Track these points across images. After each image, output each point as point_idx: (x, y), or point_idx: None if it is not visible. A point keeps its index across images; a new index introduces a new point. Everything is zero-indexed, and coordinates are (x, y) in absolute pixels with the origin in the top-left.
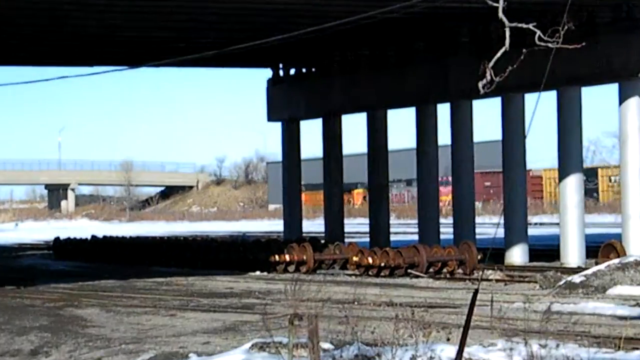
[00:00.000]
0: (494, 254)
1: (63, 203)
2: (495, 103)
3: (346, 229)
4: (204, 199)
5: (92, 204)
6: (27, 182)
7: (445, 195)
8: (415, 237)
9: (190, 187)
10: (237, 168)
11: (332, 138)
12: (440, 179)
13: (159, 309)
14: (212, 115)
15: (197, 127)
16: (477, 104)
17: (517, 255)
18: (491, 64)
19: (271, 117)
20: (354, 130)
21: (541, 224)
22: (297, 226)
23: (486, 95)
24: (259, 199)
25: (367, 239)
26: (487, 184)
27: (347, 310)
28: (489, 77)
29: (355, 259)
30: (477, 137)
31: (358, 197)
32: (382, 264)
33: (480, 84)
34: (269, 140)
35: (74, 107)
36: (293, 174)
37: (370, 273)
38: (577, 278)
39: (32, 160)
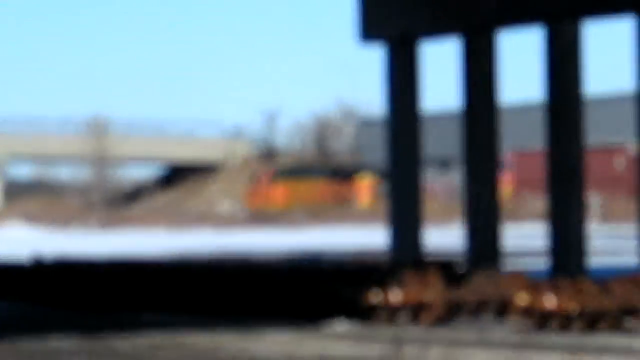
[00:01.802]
0: None
1: None
2: None
3: (508, 243)
4: (240, 188)
5: (34, 195)
6: None
7: None
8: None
9: (215, 168)
10: (302, 131)
11: (480, 71)
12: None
13: None
14: (254, 35)
15: (226, 56)
16: None
17: None
18: None
19: (367, 35)
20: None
21: None
22: (414, 238)
23: None
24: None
25: (545, 264)
26: None
27: None
28: None
29: (521, 300)
30: None
31: (365, 190)
32: (574, 310)
33: None
34: (360, 80)
35: (2, 20)
36: (408, 138)
37: (550, 326)
38: None
39: None
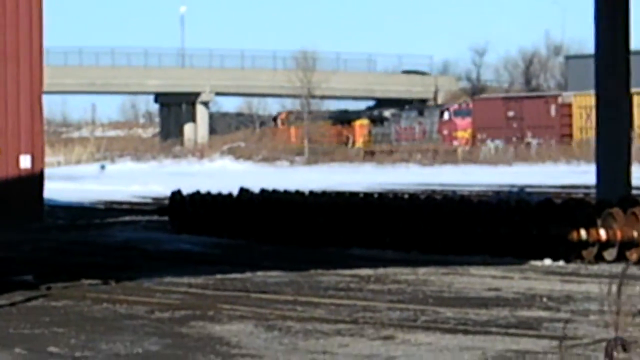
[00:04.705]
0: None
1: (188, 128)
2: None
3: None
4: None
5: (241, 130)
6: (121, 90)
7: None
8: None
9: (424, 101)
10: (509, 66)
11: None
12: None
13: (362, 327)
14: None
15: None
16: None
17: None
18: None
19: None
20: None
21: None
22: (622, 177)
23: None
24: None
25: None
26: None
27: None
28: None
29: None
30: None
31: (361, 131)
32: None
33: None
34: (569, 16)
35: None
36: (616, 75)
37: None
38: None
39: (130, 49)
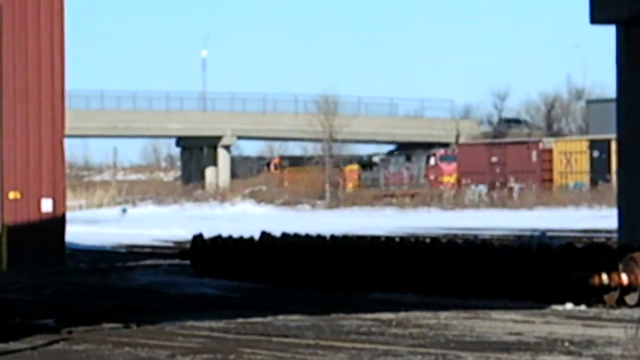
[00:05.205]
0: None
1: (209, 172)
2: None
3: None
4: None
5: (262, 174)
6: (142, 134)
7: None
8: None
9: (445, 145)
10: (531, 110)
11: None
12: None
13: None
14: (485, 14)
15: (456, 36)
16: None
17: None
18: None
19: (597, 17)
20: None
21: None
22: None
23: None
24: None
25: None
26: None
27: None
28: None
29: None
30: None
31: (351, 176)
32: None
33: None
34: (590, 61)
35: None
36: (635, 119)
37: None
38: None
39: (152, 93)
